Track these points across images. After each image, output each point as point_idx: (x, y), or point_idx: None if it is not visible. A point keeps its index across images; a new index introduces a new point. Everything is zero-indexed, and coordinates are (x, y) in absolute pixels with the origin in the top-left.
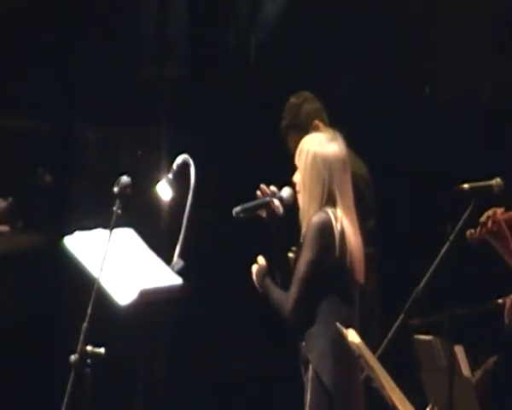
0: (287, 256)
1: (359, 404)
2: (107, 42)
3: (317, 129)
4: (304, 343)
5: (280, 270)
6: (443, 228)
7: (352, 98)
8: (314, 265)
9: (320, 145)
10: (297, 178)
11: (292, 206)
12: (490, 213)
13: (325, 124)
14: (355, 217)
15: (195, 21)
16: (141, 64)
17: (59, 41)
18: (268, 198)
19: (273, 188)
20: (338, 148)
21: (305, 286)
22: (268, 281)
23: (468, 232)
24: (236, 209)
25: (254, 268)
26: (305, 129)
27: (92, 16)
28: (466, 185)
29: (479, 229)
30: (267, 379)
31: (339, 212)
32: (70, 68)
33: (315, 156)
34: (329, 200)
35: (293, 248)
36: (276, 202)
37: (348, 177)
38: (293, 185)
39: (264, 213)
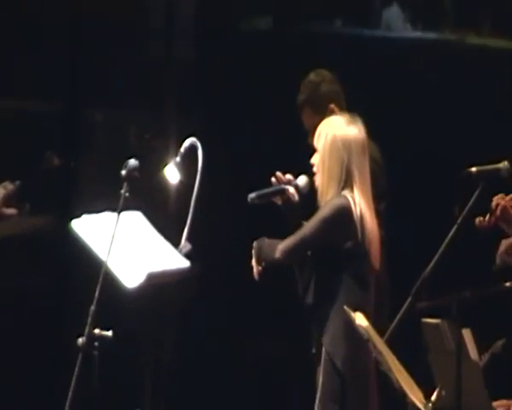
0: None
1: (372, 387)
2: (115, 25)
3: (332, 113)
4: (317, 326)
5: None
6: (450, 211)
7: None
8: (316, 235)
9: (340, 128)
10: (315, 159)
11: (308, 194)
12: (498, 200)
13: (341, 108)
14: (371, 201)
15: (203, 4)
16: (149, 47)
17: (68, 23)
18: (283, 185)
19: (289, 176)
20: (358, 131)
21: (300, 243)
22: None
23: (477, 220)
24: (251, 195)
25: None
26: (321, 109)
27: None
28: (474, 169)
29: (488, 217)
30: (280, 363)
31: (357, 196)
32: (78, 51)
33: (335, 138)
34: (348, 182)
35: (304, 223)
36: (292, 189)
37: (366, 160)
38: (310, 167)
39: (279, 201)
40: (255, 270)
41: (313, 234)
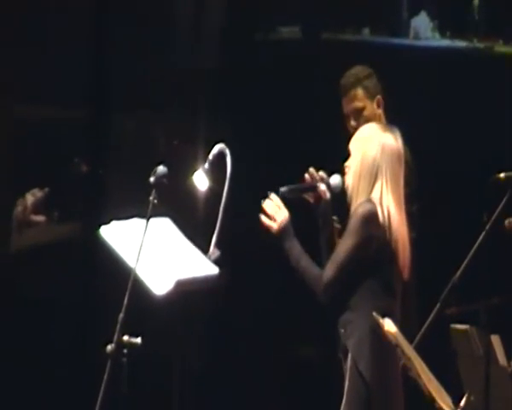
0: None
1: (397, 393)
2: (145, 31)
3: (378, 105)
4: (343, 331)
5: (326, 257)
6: (480, 217)
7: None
8: (353, 253)
9: (376, 134)
10: (350, 163)
11: (340, 194)
12: None
13: (384, 104)
14: (403, 212)
15: (233, 9)
16: (178, 53)
17: (96, 30)
18: (315, 183)
19: (322, 173)
20: (394, 139)
21: (340, 271)
22: (297, 244)
23: (507, 221)
24: (282, 189)
25: (272, 209)
26: (372, 94)
27: (130, 6)
28: (502, 175)
29: None
30: (308, 369)
31: (385, 200)
32: (107, 57)
33: (370, 143)
34: (378, 186)
35: (335, 218)
36: (323, 187)
37: (401, 171)
38: (343, 170)
39: (310, 198)
40: (268, 223)
41: (348, 257)
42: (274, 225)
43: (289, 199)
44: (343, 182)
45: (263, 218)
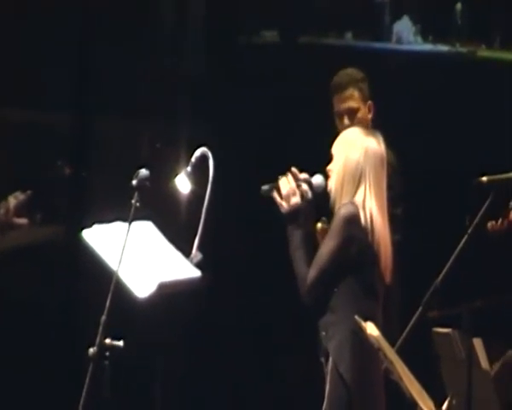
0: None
1: (379, 396)
2: (126, 36)
3: (369, 109)
4: (324, 333)
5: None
6: (462, 221)
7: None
8: (335, 255)
9: (359, 138)
10: (332, 166)
11: (323, 195)
12: None
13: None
14: (386, 215)
15: (213, 13)
16: (159, 57)
17: (81, 33)
18: (297, 182)
19: (304, 174)
20: (377, 143)
21: (322, 273)
22: (299, 235)
23: (490, 224)
24: (264, 187)
25: (286, 189)
26: (365, 98)
27: (115, 11)
28: (484, 178)
29: (500, 220)
30: (290, 373)
31: (368, 202)
32: (91, 61)
33: (353, 147)
34: (361, 190)
35: (323, 219)
36: (305, 186)
37: (384, 175)
38: (325, 173)
39: None
40: (279, 201)
41: (331, 259)
42: (284, 205)
43: (271, 198)
44: (325, 183)
45: (275, 194)
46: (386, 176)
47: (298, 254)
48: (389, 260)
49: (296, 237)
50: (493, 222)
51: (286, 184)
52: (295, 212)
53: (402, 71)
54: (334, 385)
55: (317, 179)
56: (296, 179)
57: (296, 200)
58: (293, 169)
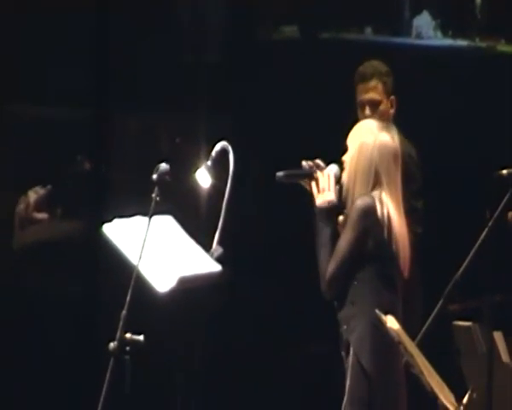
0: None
1: (400, 387)
2: (145, 30)
3: (392, 104)
4: (345, 327)
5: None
6: (482, 214)
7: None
8: (353, 247)
9: (373, 132)
10: (346, 157)
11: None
12: None
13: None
14: (402, 209)
15: (233, 8)
16: (180, 50)
17: (97, 27)
18: (312, 169)
19: (319, 161)
20: (390, 138)
21: (342, 265)
22: (329, 231)
23: (510, 214)
24: (279, 174)
25: (324, 183)
26: (388, 92)
27: (131, 5)
28: (504, 171)
29: None
30: (311, 366)
31: (385, 198)
32: (109, 55)
33: (367, 141)
34: (376, 185)
35: (346, 211)
36: (319, 174)
37: (398, 169)
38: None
39: (307, 186)
40: (315, 192)
41: (349, 251)
42: (319, 198)
43: (285, 184)
44: (340, 173)
45: (313, 185)
46: (407, 169)
47: (324, 251)
48: (407, 257)
49: (325, 234)
50: None
51: (324, 178)
52: (329, 209)
53: (421, 66)
54: (356, 379)
55: (333, 169)
56: (321, 169)
57: (331, 197)
58: (318, 161)
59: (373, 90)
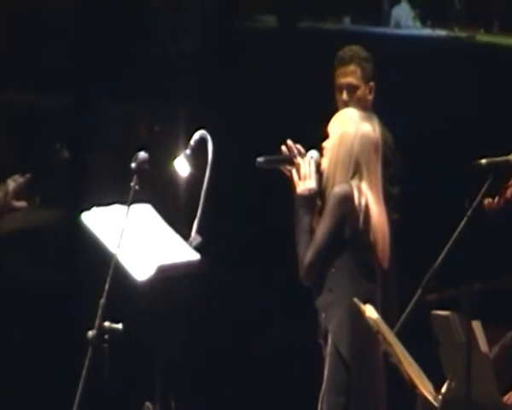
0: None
1: (378, 376)
2: (126, 18)
3: (370, 91)
4: (323, 315)
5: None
6: (461, 203)
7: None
8: (331, 234)
9: (354, 122)
10: (327, 144)
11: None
12: None
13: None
14: (382, 199)
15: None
16: (159, 39)
17: (78, 15)
18: (292, 155)
19: (299, 147)
20: (371, 128)
21: (319, 252)
22: (308, 220)
23: (486, 201)
24: (259, 159)
25: (305, 170)
26: (367, 78)
27: None
28: (483, 161)
29: (497, 198)
30: (289, 354)
31: (364, 188)
32: (88, 43)
33: (348, 130)
34: (356, 174)
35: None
36: (300, 160)
37: (379, 160)
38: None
39: (287, 172)
40: (296, 179)
41: (326, 239)
42: (300, 186)
43: (266, 170)
44: (320, 159)
45: (293, 171)
46: (383, 155)
47: (303, 238)
48: (386, 248)
49: (305, 221)
50: (490, 200)
51: (305, 165)
52: (309, 196)
53: (400, 56)
54: (334, 367)
55: (313, 155)
56: (301, 155)
57: (312, 185)
58: (289, 142)
59: (351, 75)
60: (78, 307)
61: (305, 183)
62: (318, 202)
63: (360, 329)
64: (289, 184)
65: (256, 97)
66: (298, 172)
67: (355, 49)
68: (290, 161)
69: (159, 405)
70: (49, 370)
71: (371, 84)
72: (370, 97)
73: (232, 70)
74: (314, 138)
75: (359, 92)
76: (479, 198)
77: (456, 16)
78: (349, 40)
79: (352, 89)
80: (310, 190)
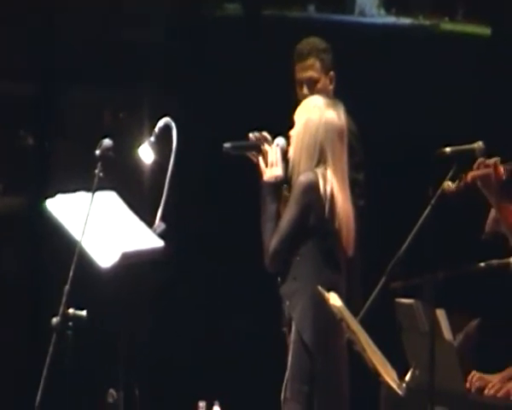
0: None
1: (342, 364)
2: (88, 5)
3: (331, 80)
4: (288, 302)
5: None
6: (425, 191)
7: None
8: (296, 222)
9: (320, 109)
10: (293, 133)
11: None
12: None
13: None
14: (347, 186)
15: None
16: (125, 26)
17: (41, 5)
18: (259, 141)
19: (266, 134)
20: (336, 115)
21: (284, 240)
22: (274, 207)
23: (446, 184)
24: (226, 145)
25: (273, 158)
26: (326, 69)
27: None
28: (448, 149)
29: (457, 181)
30: (253, 343)
31: (329, 176)
32: (53, 30)
33: (313, 117)
34: (321, 162)
35: (285, 186)
36: (267, 147)
37: (344, 147)
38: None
39: (254, 158)
40: (262, 167)
41: (291, 227)
42: (267, 172)
43: (232, 156)
44: (286, 147)
45: (260, 158)
46: (348, 143)
47: (269, 225)
48: (351, 235)
49: (271, 208)
50: (449, 183)
51: (272, 153)
52: (276, 184)
53: (365, 44)
54: (297, 354)
55: (280, 141)
56: (268, 143)
57: (279, 172)
58: (265, 133)
59: (310, 69)
60: (42, 294)
61: (271, 170)
62: (286, 192)
63: (324, 317)
64: (256, 170)
65: (222, 85)
66: (264, 159)
67: (313, 42)
68: (257, 147)
69: (122, 392)
70: (13, 357)
71: (331, 74)
72: (331, 87)
73: (197, 57)
74: (281, 126)
75: (319, 85)
76: (442, 186)
77: (420, 4)
78: (313, 28)
79: (311, 83)
80: (276, 178)
